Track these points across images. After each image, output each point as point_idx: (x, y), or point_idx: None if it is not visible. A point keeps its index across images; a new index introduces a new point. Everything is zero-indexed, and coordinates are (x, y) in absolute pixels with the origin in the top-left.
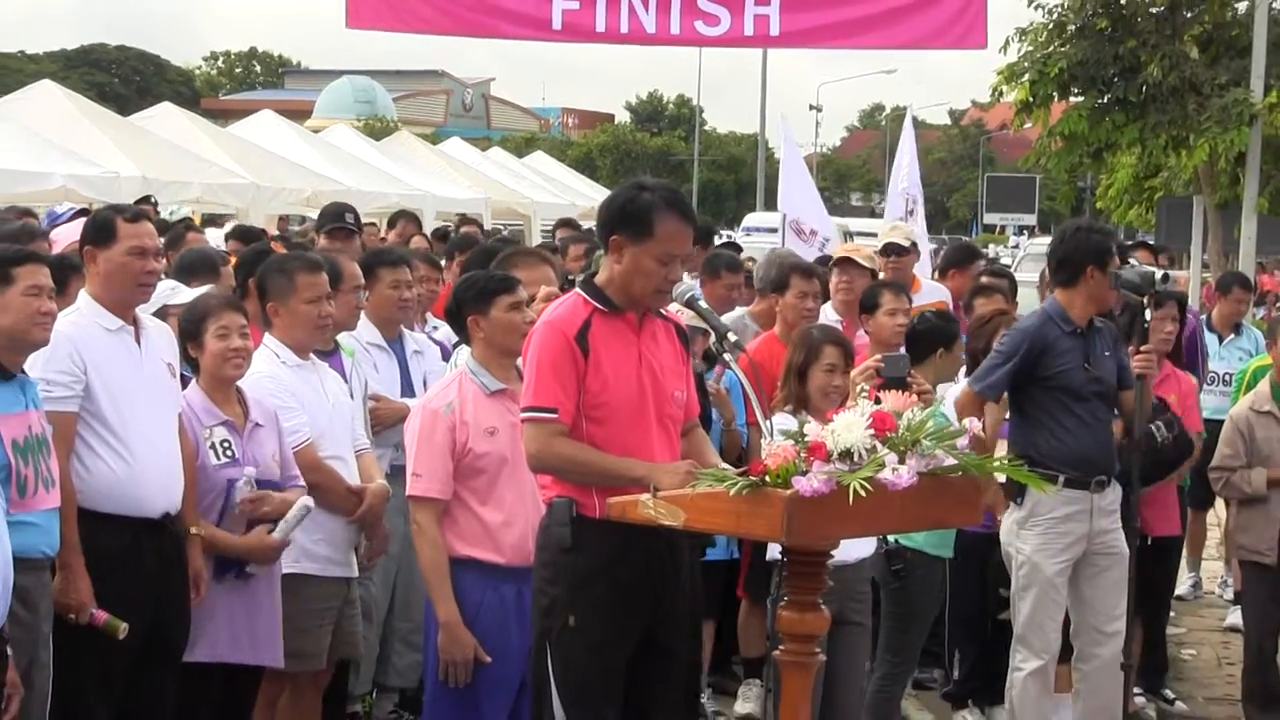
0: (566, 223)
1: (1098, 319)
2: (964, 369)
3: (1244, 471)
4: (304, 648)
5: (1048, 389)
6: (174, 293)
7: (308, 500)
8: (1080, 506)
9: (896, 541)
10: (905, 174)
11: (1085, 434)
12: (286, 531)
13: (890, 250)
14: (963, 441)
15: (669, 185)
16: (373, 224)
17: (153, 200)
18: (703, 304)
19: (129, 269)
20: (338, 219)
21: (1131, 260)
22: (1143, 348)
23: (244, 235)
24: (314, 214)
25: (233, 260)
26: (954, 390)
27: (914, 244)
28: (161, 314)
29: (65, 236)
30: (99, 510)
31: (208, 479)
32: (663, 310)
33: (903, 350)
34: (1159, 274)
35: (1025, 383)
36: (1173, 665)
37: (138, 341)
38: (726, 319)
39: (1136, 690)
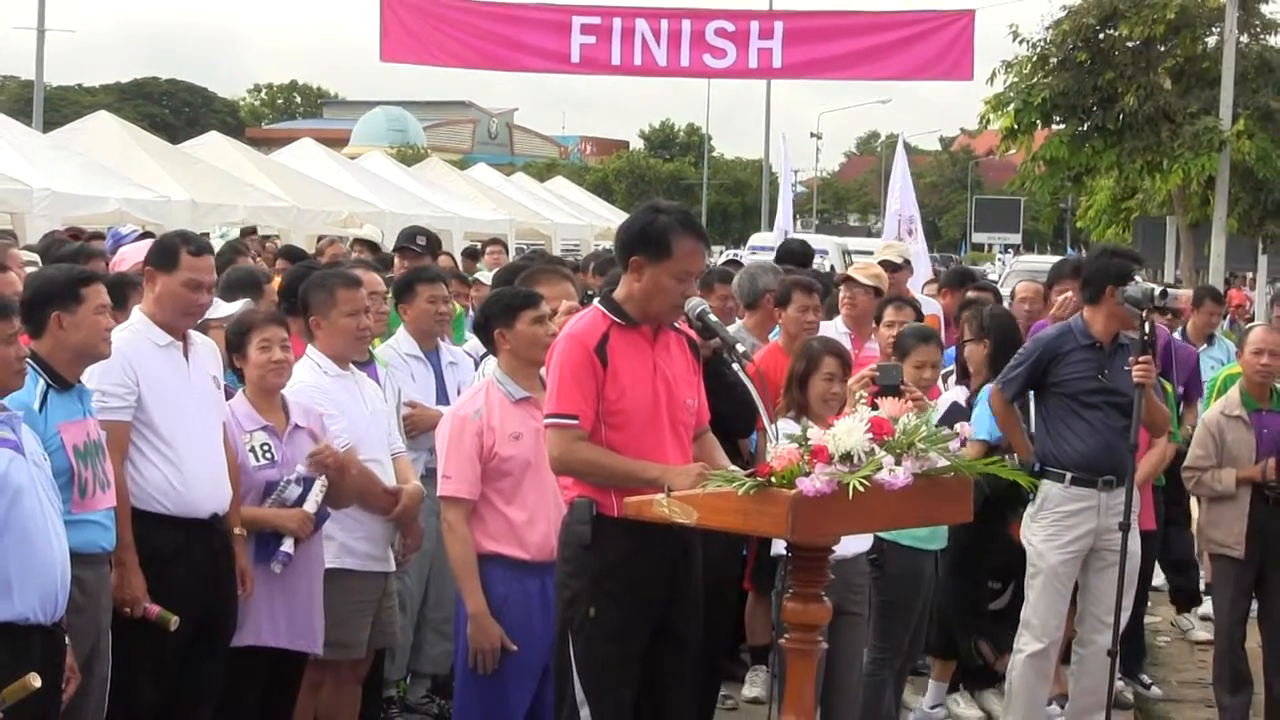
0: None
1: (1124, 335)
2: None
3: (1215, 471)
4: (345, 638)
5: (1058, 395)
6: (214, 307)
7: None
8: (1087, 504)
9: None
10: (898, 196)
11: (1093, 438)
12: (315, 504)
13: (885, 268)
14: (954, 444)
15: (683, 208)
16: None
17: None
18: (712, 318)
19: (183, 298)
20: (409, 240)
21: (1135, 278)
22: (1140, 358)
23: (290, 254)
24: (350, 234)
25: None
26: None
27: (907, 261)
28: (202, 327)
29: (131, 256)
30: (153, 511)
31: (247, 479)
32: (675, 324)
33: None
34: (1158, 290)
35: (1040, 388)
36: (1149, 651)
37: (186, 356)
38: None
39: (1119, 675)
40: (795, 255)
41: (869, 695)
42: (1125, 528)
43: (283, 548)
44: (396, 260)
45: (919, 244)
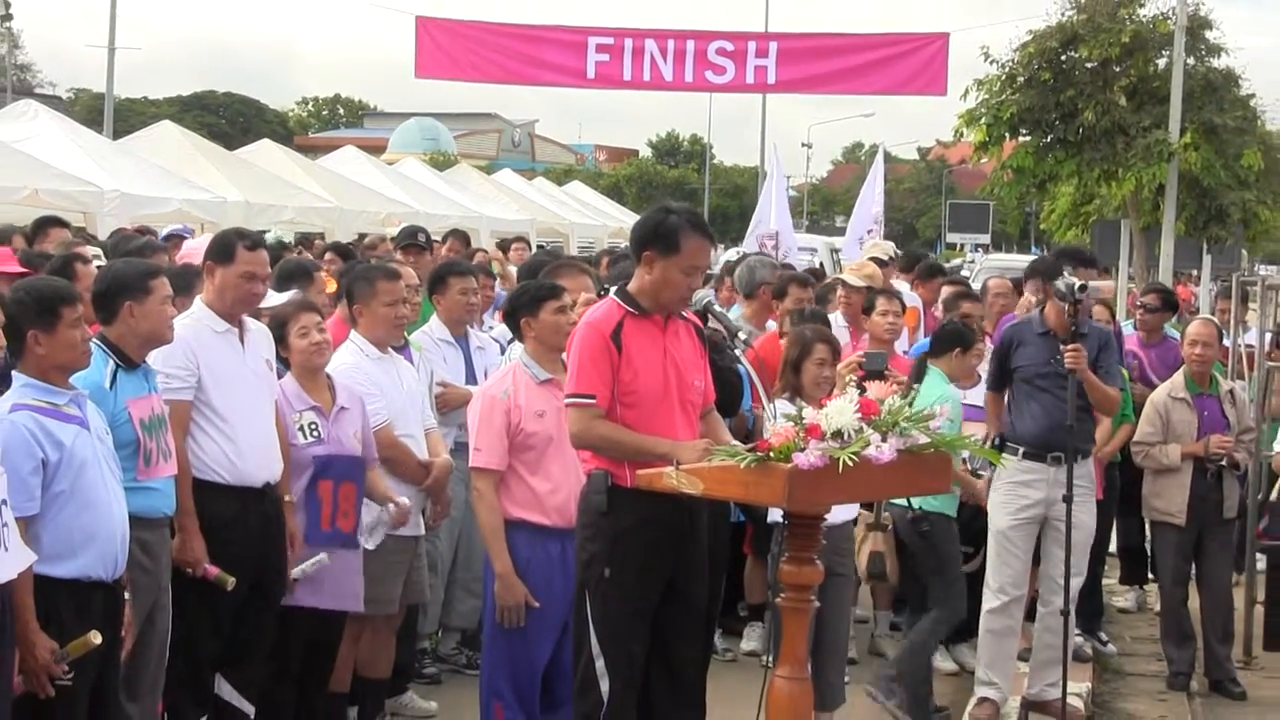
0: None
1: (1086, 325)
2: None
3: (1161, 446)
4: (380, 595)
5: (1018, 379)
6: (268, 297)
7: (323, 558)
8: (1037, 476)
9: (920, 508)
10: (875, 197)
11: (1044, 418)
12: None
13: (875, 263)
14: (935, 423)
15: (692, 209)
16: (437, 240)
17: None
18: (717, 308)
19: (239, 289)
20: (412, 237)
21: (1064, 272)
22: (1069, 346)
23: (340, 250)
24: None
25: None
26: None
27: (891, 258)
28: (255, 314)
29: (197, 249)
30: (211, 481)
31: (296, 455)
32: (684, 313)
33: (895, 344)
34: (1078, 284)
35: (1006, 372)
36: (1106, 611)
37: (241, 341)
38: None
39: (1076, 631)
40: None
41: (919, 659)
42: (1068, 500)
43: (317, 557)
44: (401, 255)
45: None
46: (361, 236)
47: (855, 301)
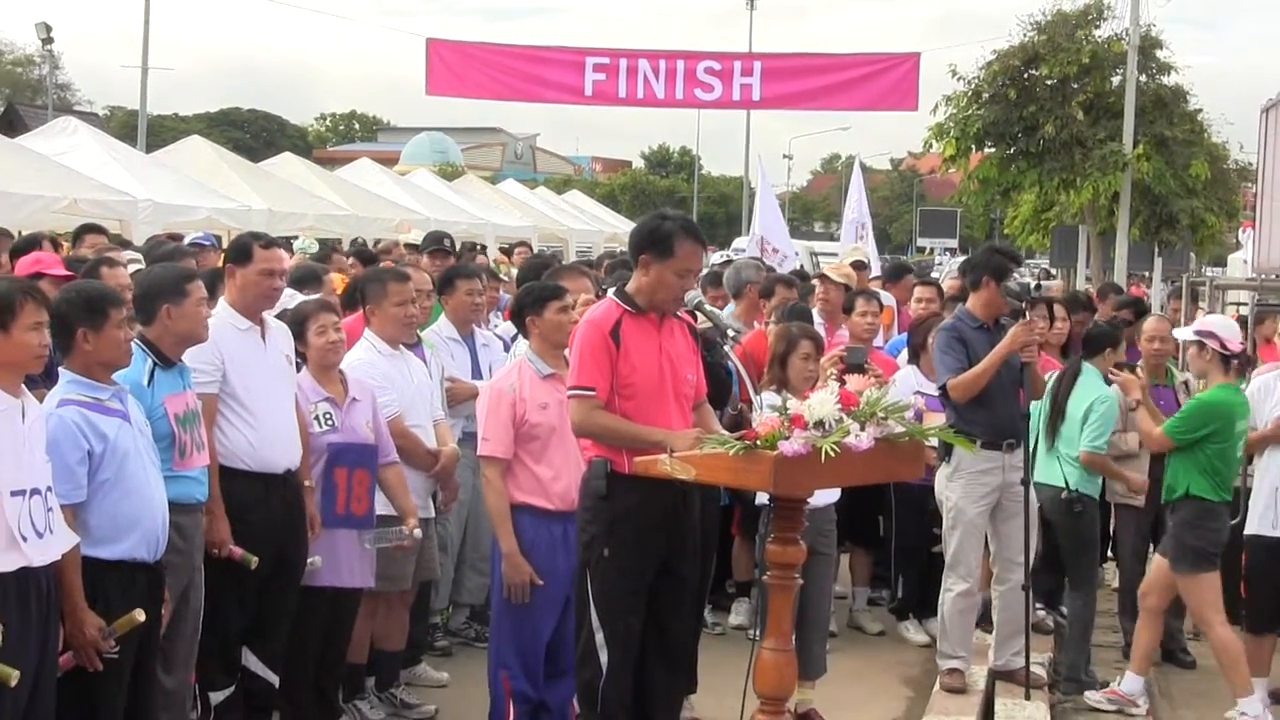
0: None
1: (1004, 319)
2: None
3: (1122, 435)
4: (393, 573)
5: None
6: (290, 299)
7: (316, 560)
8: (994, 463)
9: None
10: (855, 207)
11: (995, 407)
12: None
13: (856, 267)
14: (909, 414)
15: (685, 216)
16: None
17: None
18: (708, 307)
19: (259, 285)
20: (437, 243)
21: (1016, 273)
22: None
23: (362, 255)
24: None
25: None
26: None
27: (864, 262)
28: (281, 315)
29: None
30: (236, 468)
31: (312, 442)
32: (678, 312)
33: (873, 342)
34: (1032, 284)
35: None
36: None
37: (263, 338)
38: None
39: (1038, 605)
40: None
41: (1084, 642)
42: (1025, 483)
43: (313, 558)
44: (427, 259)
45: (870, 246)
46: (376, 242)
47: (834, 297)
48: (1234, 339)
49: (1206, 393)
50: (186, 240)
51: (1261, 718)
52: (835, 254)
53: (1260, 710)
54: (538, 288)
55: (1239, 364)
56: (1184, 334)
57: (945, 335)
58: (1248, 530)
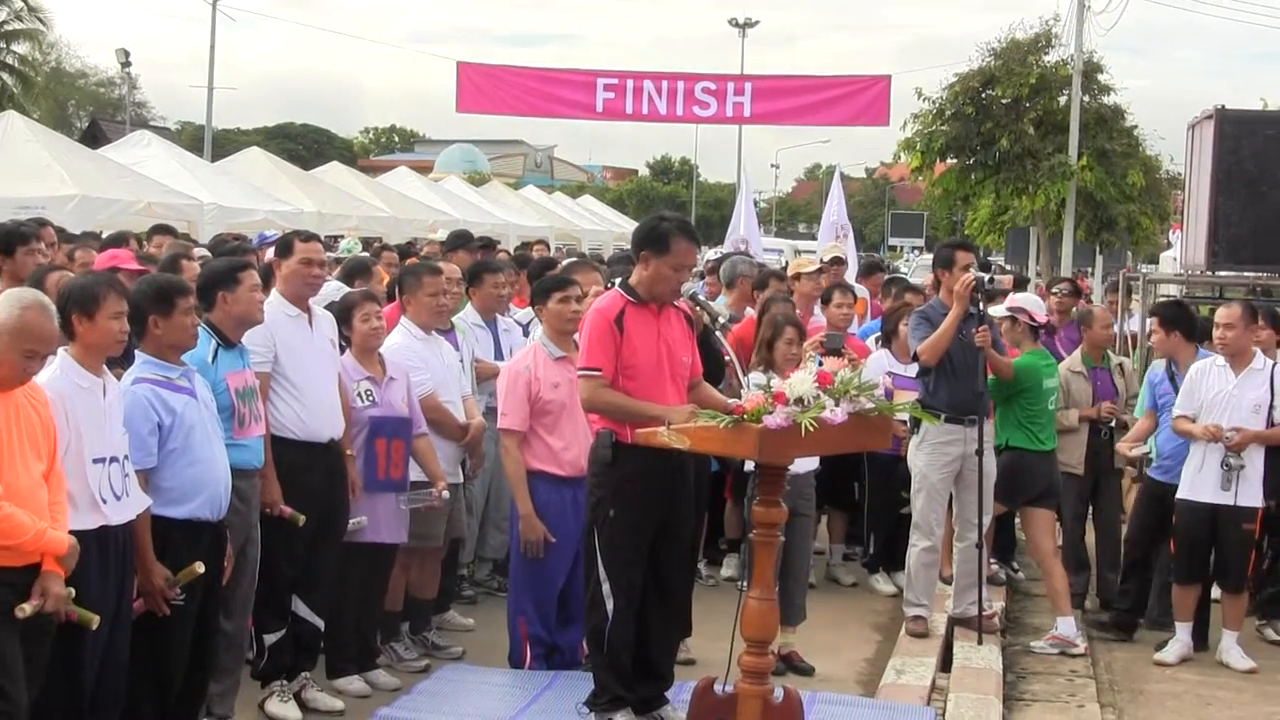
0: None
1: (971, 307)
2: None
3: (1063, 411)
4: (427, 531)
5: None
6: (336, 292)
7: (362, 520)
8: (956, 436)
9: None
10: (835, 210)
11: (958, 386)
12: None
13: (833, 262)
14: (879, 391)
15: (682, 217)
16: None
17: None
18: (701, 297)
19: (300, 274)
20: (462, 241)
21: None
22: (979, 328)
23: (402, 252)
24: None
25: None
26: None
27: (842, 259)
28: (330, 305)
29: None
30: (285, 437)
31: (355, 415)
32: (675, 302)
33: (848, 329)
34: (987, 278)
35: None
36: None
37: (310, 324)
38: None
39: (992, 560)
40: None
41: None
42: (980, 453)
43: (359, 517)
44: (464, 253)
45: (850, 245)
46: (413, 240)
47: (807, 289)
48: (1040, 313)
49: (1019, 357)
50: (255, 238)
51: (1072, 636)
52: (814, 251)
53: (1073, 631)
54: (544, 281)
55: (1046, 333)
56: (998, 311)
57: (917, 317)
58: (1178, 495)
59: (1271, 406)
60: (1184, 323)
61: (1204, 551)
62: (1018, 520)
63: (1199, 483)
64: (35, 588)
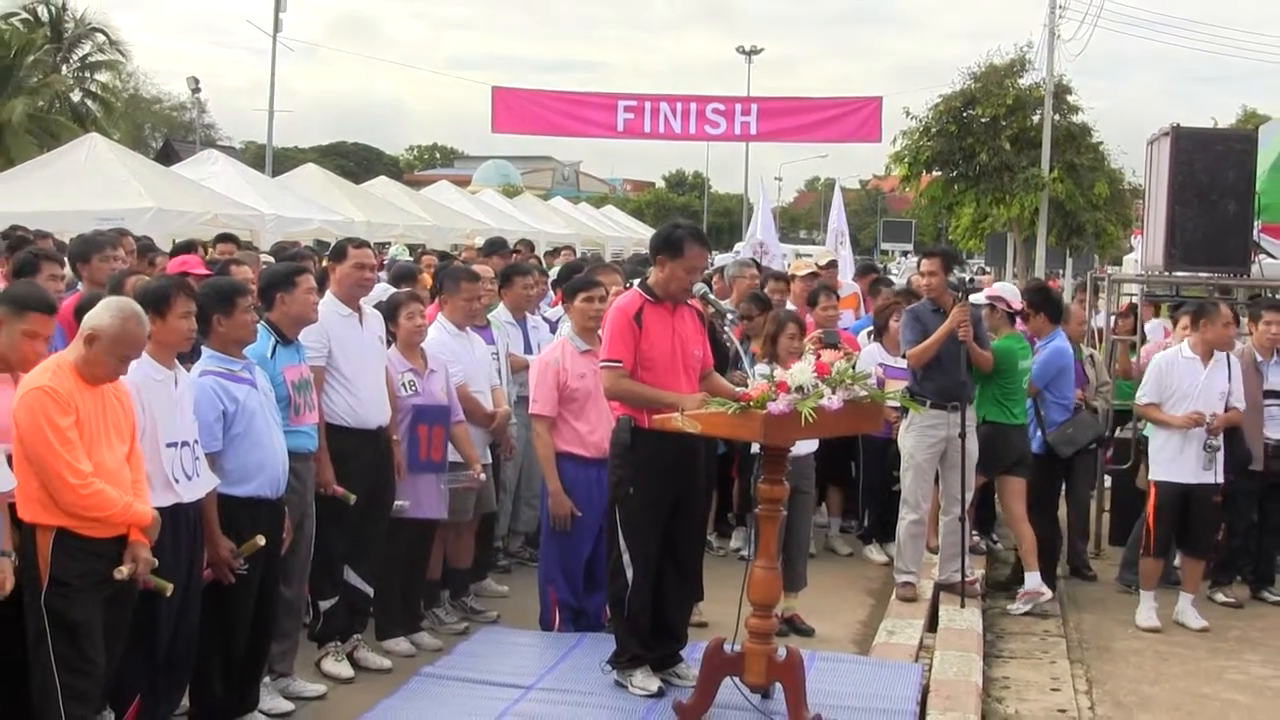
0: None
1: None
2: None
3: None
4: (459, 507)
5: None
6: (384, 292)
7: (404, 504)
8: (941, 420)
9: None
10: (836, 218)
11: (943, 375)
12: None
13: (828, 265)
14: (871, 380)
15: (694, 225)
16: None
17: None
18: (712, 296)
19: (353, 276)
20: (502, 246)
21: (955, 270)
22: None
23: (440, 255)
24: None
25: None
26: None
27: (834, 262)
28: (378, 305)
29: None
30: (338, 424)
31: (400, 404)
32: (688, 300)
33: (839, 326)
34: (966, 278)
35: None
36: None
37: (361, 322)
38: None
39: (974, 532)
40: None
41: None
42: (963, 436)
43: (401, 500)
44: (498, 258)
45: (847, 249)
46: (455, 246)
47: (797, 289)
48: (1015, 300)
49: (998, 341)
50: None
51: (1039, 588)
52: (811, 254)
53: (1038, 583)
54: (573, 282)
55: (1021, 319)
56: (978, 298)
57: (907, 316)
58: (1154, 476)
59: (1228, 393)
60: (1049, 305)
61: (1179, 528)
62: (996, 497)
63: (1179, 465)
64: (126, 554)
